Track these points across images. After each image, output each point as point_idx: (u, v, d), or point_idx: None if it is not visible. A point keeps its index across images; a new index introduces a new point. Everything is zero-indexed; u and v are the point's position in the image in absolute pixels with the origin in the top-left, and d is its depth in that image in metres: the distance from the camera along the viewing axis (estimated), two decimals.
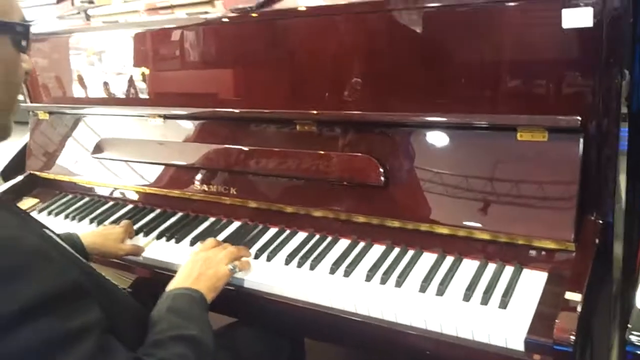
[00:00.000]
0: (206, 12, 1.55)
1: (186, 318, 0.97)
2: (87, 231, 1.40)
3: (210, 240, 1.25)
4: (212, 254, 1.18)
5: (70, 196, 1.76)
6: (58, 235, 0.96)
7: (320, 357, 1.65)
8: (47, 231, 0.92)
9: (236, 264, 1.19)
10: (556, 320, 0.90)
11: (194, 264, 1.13)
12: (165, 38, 1.55)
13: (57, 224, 1.62)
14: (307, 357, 1.39)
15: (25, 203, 1.78)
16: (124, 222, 1.45)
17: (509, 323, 0.97)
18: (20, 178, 1.84)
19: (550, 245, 1.07)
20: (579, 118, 1.02)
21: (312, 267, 1.21)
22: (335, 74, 1.31)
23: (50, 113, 1.85)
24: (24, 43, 0.84)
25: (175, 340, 0.91)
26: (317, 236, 1.31)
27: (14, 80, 0.85)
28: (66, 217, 1.65)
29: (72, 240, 1.27)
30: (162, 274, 1.34)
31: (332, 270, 1.18)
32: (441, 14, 1.14)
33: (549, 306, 0.98)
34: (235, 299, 1.22)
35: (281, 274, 1.22)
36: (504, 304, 1.01)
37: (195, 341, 0.92)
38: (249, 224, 1.43)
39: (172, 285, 1.07)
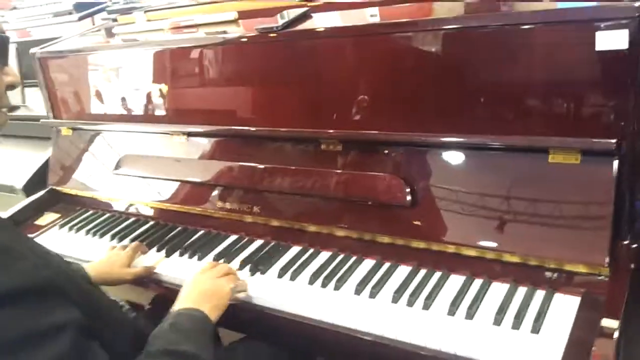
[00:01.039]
0: (227, 32, 1.56)
1: (185, 335, 0.97)
2: (93, 262, 1.39)
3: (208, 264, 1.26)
4: (210, 274, 1.19)
5: (91, 212, 1.76)
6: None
7: None
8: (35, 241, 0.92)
9: (236, 283, 1.20)
10: (593, 348, 0.88)
11: (194, 284, 1.14)
12: (188, 56, 1.55)
13: (79, 240, 1.63)
14: None
15: (47, 218, 1.78)
16: (131, 245, 1.44)
17: (542, 348, 0.95)
18: (41, 193, 1.85)
19: (583, 269, 1.04)
20: (614, 141, 1.00)
21: (336, 288, 1.19)
22: (362, 93, 1.29)
23: (73, 129, 1.86)
24: (2, 56, 0.84)
25: (167, 353, 0.91)
26: (341, 256, 1.29)
27: None
28: (87, 232, 1.65)
29: (80, 273, 1.26)
30: None
31: (358, 291, 1.17)
32: (470, 35, 1.13)
33: (583, 332, 0.96)
34: (256, 318, 1.21)
35: (305, 294, 1.20)
36: (536, 329, 0.98)
37: (187, 357, 0.92)
38: (271, 242, 1.41)
39: (175, 307, 1.08)
